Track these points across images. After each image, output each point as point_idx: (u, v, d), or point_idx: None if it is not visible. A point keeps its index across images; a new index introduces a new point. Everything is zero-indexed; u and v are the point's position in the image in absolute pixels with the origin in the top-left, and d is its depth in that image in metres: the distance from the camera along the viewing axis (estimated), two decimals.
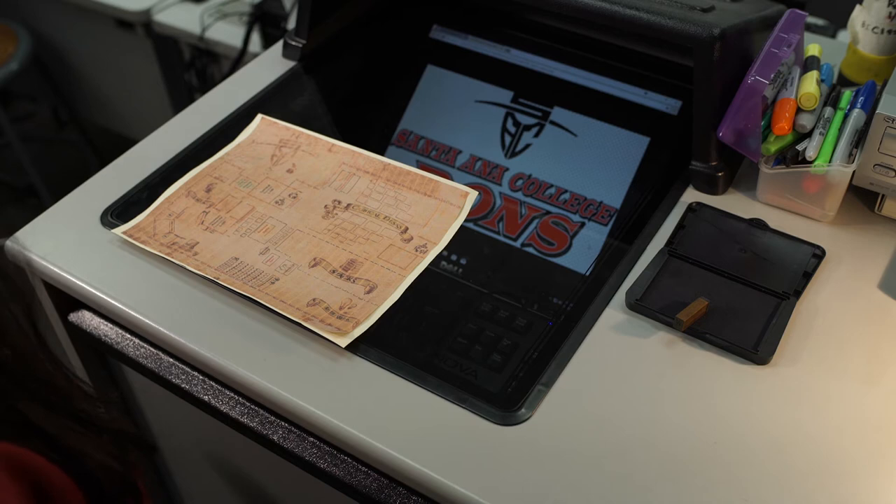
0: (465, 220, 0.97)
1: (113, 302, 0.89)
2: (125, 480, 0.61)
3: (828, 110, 0.95)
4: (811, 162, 0.91)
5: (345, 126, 1.13)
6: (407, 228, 0.95)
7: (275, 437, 0.84)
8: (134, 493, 0.61)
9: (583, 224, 0.99)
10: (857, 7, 1.07)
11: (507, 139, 1.09)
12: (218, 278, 0.90)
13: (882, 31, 1.04)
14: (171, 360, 0.90)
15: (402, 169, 1.02)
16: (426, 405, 0.79)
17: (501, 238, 0.99)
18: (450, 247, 0.93)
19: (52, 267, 0.93)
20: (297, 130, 1.09)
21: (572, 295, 0.89)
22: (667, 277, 0.89)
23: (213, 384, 0.88)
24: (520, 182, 1.05)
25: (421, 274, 0.89)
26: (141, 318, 0.88)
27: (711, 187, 0.98)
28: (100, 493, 0.57)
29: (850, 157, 0.91)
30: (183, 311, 0.87)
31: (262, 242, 0.94)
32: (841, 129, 0.93)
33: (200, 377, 0.89)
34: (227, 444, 1.01)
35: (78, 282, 0.91)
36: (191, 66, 2.08)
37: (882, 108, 0.87)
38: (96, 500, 0.56)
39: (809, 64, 1.00)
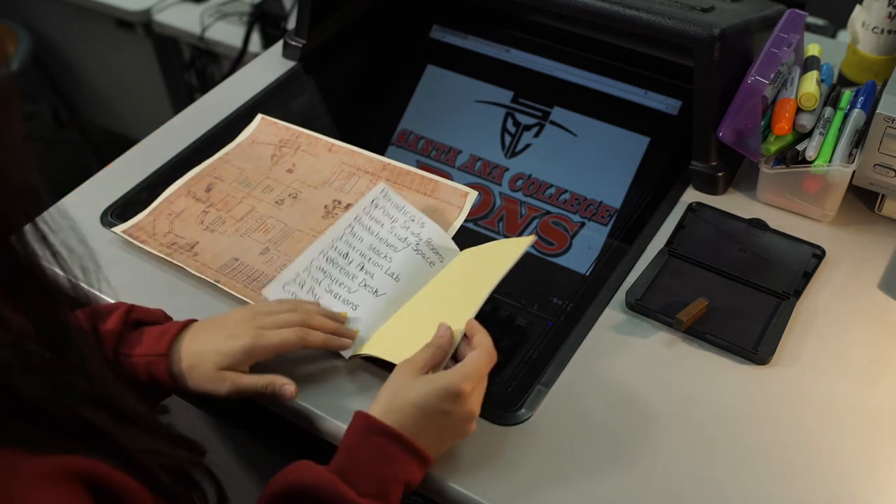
0: (465, 220, 0.97)
1: (113, 302, 0.89)
2: (187, 477, 0.61)
3: (828, 110, 0.95)
4: (811, 162, 0.91)
5: (345, 126, 1.13)
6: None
7: (275, 437, 0.84)
8: (195, 488, 0.61)
9: (583, 224, 0.99)
10: (857, 7, 1.07)
11: (507, 139, 1.09)
12: (218, 281, 0.90)
13: (882, 31, 1.04)
14: None
15: (402, 169, 1.02)
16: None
17: (501, 238, 0.99)
18: None
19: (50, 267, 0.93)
20: (296, 130, 1.09)
21: (572, 295, 0.89)
22: (667, 277, 0.89)
23: None
24: (520, 182, 1.05)
25: None
26: None
27: (711, 187, 0.98)
28: (167, 493, 0.57)
29: (850, 157, 0.91)
30: (183, 310, 0.87)
31: (262, 242, 0.94)
32: (841, 129, 0.93)
33: None
34: (227, 443, 1.01)
35: (77, 282, 0.91)
36: (191, 66, 2.07)
37: (882, 108, 0.87)
38: (166, 499, 0.56)
39: (809, 64, 1.00)
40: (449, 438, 0.73)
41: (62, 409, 0.52)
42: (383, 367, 0.82)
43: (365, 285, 0.86)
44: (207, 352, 0.75)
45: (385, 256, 0.89)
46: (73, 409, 0.52)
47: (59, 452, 0.49)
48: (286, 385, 0.76)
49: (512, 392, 0.80)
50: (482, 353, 0.73)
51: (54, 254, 0.54)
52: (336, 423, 0.78)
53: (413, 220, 0.92)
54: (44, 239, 0.53)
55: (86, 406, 0.53)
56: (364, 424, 0.69)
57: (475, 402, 0.72)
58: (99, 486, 0.50)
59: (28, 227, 0.52)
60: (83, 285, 0.87)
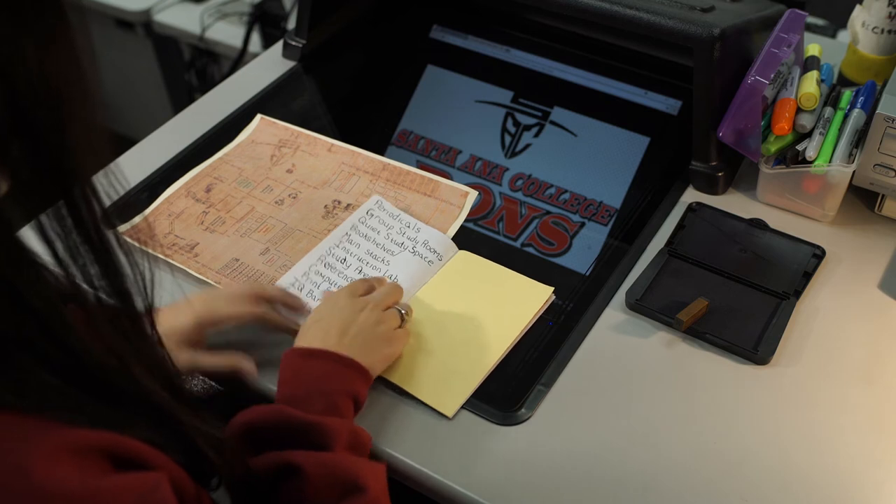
0: (465, 220, 0.97)
1: None
2: (222, 451, 0.61)
3: (828, 110, 0.95)
4: (811, 162, 0.91)
5: (345, 126, 1.13)
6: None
7: None
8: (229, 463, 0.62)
9: (583, 224, 0.99)
10: (857, 7, 1.07)
11: (507, 139, 1.09)
12: (219, 283, 0.90)
13: (882, 31, 1.04)
14: None
15: (402, 169, 1.02)
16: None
17: (501, 238, 0.99)
18: None
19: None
20: (296, 130, 1.09)
21: (572, 295, 0.89)
22: (667, 277, 0.89)
23: (214, 385, 0.87)
24: (520, 182, 1.05)
25: None
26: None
27: (711, 187, 0.98)
28: (203, 472, 0.57)
29: (850, 157, 0.91)
30: None
31: (262, 242, 0.94)
32: (841, 129, 0.93)
33: (200, 378, 0.88)
34: None
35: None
36: (191, 66, 2.07)
37: (882, 108, 0.87)
38: (198, 476, 0.56)
39: (809, 64, 1.00)
40: (371, 345, 0.76)
41: (119, 372, 0.52)
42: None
43: None
44: (162, 328, 0.76)
45: (383, 260, 0.90)
46: (129, 373, 0.53)
47: (100, 424, 0.50)
48: (244, 363, 0.79)
49: (512, 392, 0.80)
50: (386, 286, 0.83)
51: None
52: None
53: (409, 227, 0.93)
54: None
55: (140, 371, 0.54)
56: (294, 354, 0.74)
57: (374, 309, 0.78)
58: (127, 461, 0.50)
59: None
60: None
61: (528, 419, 0.77)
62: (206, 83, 2.08)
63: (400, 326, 0.81)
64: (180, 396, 0.58)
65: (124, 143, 1.15)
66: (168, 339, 0.74)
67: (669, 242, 0.92)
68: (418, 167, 1.04)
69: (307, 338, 0.76)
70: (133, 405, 0.53)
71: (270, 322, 0.82)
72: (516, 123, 1.10)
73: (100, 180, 0.53)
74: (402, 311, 0.82)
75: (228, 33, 1.93)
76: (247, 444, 0.67)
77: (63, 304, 0.50)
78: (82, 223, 0.51)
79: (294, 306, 0.84)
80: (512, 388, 0.80)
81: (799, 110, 0.94)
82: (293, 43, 1.20)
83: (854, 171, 0.90)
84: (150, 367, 0.55)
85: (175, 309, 0.79)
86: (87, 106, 0.50)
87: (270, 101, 1.15)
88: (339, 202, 0.99)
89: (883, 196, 0.94)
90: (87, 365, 0.50)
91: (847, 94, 0.97)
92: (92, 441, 0.49)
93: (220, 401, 0.85)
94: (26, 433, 0.47)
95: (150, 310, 0.58)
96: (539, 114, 1.10)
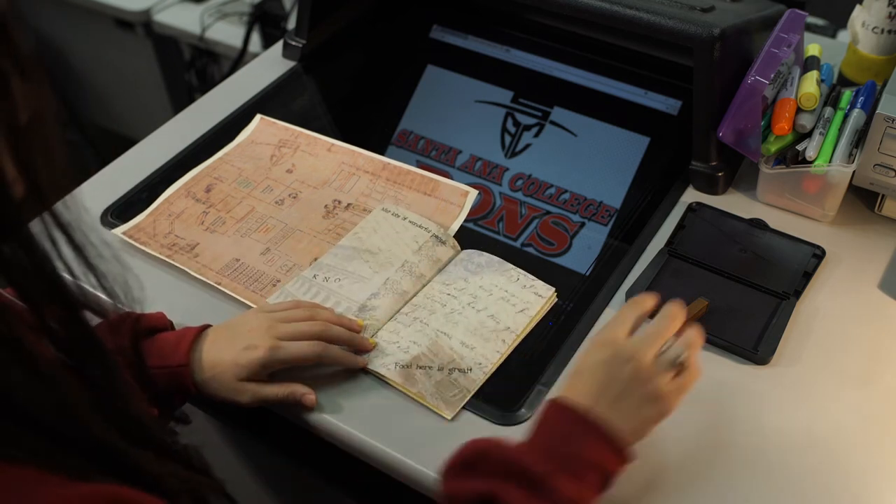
0: (465, 220, 0.97)
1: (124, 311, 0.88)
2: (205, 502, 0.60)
3: (828, 110, 0.95)
4: (811, 162, 0.91)
5: (345, 126, 1.13)
6: None
7: (278, 438, 0.84)
8: None
9: (583, 224, 0.99)
10: (857, 7, 1.07)
11: (507, 139, 1.09)
12: (220, 283, 0.89)
13: (882, 31, 1.04)
14: None
15: (402, 168, 1.02)
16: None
17: (501, 238, 0.99)
18: None
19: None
20: (296, 130, 1.09)
21: (572, 295, 0.89)
22: (667, 277, 0.89)
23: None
24: (520, 182, 1.05)
25: None
26: None
27: (711, 187, 0.98)
28: None
29: (850, 157, 0.91)
30: (185, 312, 0.87)
31: (262, 243, 0.94)
32: (841, 129, 0.93)
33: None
34: (223, 443, 1.01)
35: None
36: (191, 66, 2.07)
37: (882, 108, 0.87)
38: None
39: (809, 64, 1.00)
40: (633, 411, 0.66)
41: (74, 428, 0.51)
42: None
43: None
44: (227, 363, 0.75)
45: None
46: (87, 429, 0.51)
47: (79, 474, 0.48)
48: (307, 395, 0.77)
49: (512, 392, 0.80)
50: (662, 315, 0.68)
51: (98, 277, 0.54)
52: (355, 434, 0.78)
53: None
54: (87, 262, 0.52)
55: (100, 426, 0.52)
56: (562, 414, 0.66)
57: (644, 360, 0.66)
58: None
59: (71, 252, 0.51)
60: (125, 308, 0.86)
61: (528, 419, 0.77)
62: (206, 83, 2.08)
63: (677, 374, 0.68)
64: (152, 443, 0.56)
65: (124, 143, 1.15)
66: (229, 370, 0.75)
67: (669, 242, 0.92)
68: (418, 167, 1.04)
69: (578, 387, 0.67)
70: (91, 454, 0.51)
71: (328, 361, 0.79)
72: (516, 123, 1.10)
73: (62, 215, 0.50)
74: (678, 357, 0.68)
75: (228, 33, 1.93)
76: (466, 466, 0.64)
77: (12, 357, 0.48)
78: (37, 262, 0.49)
79: (360, 347, 0.81)
80: (512, 388, 0.80)
81: (799, 110, 0.94)
82: (293, 43, 1.20)
83: (854, 171, 0.90)
84: (112, 416, 0.53)
85: (238, 338, 0.76)
86: (45, 141, 0.49)
87: (270, 101, 1.15)
88: (340, 202, 0.99)
89: (883, 196, 0.94)
90: (40, 416, 0.49)
91: (847, 94, 0.97)
92: (92, 495, 0.47)
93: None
94: (19, 486, 0.45)
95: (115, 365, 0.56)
96: (539, 114, 1.10)
